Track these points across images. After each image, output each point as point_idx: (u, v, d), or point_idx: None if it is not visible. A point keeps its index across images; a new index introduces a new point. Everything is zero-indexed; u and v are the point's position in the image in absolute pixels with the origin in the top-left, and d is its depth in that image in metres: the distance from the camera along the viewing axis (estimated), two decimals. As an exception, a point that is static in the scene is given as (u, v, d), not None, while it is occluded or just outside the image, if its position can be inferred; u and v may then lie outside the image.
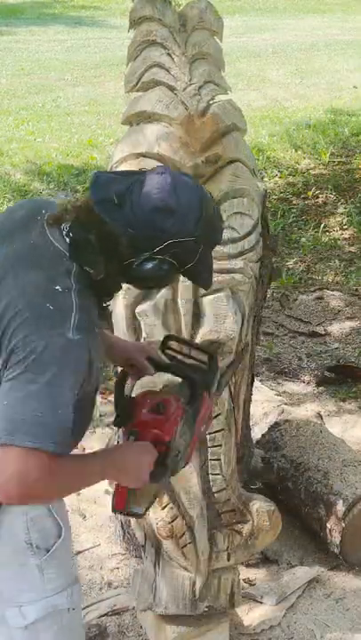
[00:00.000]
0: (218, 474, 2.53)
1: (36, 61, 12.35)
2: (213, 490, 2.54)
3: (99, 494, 3.40)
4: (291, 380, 4.40)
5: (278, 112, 9.22)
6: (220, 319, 2.43)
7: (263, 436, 3.40)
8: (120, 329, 2.49)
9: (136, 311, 2.41)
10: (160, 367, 2.14)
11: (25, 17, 16.96)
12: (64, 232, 1.81)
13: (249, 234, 2.46)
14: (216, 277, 2.42)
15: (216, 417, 2.47)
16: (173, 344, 2.18)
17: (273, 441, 3.37)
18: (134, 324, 2.44)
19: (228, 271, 2.44)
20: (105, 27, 15.68)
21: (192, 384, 2.04)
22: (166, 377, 2.28)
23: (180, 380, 2.12)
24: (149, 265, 1.80)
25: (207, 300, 2.43)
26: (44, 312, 1.70)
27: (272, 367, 4.51)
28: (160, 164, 2.34)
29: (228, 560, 2.60)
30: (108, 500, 3.19)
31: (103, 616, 2.84)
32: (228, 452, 2.54)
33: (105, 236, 1.78)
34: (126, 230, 1.77)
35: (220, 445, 2.51)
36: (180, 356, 2.16)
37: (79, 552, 3.14)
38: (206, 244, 1.86)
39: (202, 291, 2.42)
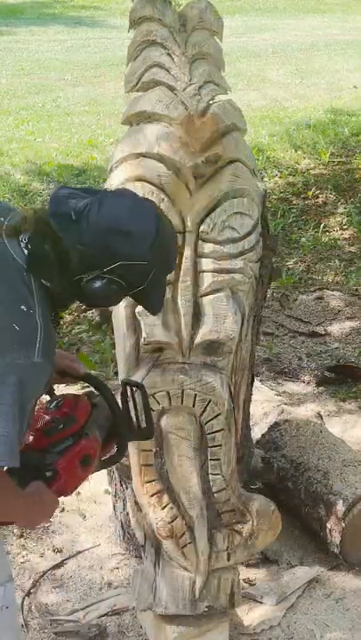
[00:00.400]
0: (218, 474, 2.53)
1: (36, 61, 12.35)
2: (213, 490, 2.54)
3: (99, 494, 3.41)
4: (291, 380, 4.40)
5: (278, 112, 9.22)
6: (220, 319, 2.43)
7: (263, 435, 3.40)
8: (120, 329, 2.49)
9: (136, 311, 2.41)
10: (79, 378, 2.18)
11: (25, 17, 16.95)
12: (22, 243, 1.82)
13: (249, 234, 2.46)
14: (216, 277, 2.43)
15: (216, 417, 2.48)
16: (136, 390, 2.20)
17: (273, 441, 3.37)
18: (134, 323, 2.44)
19: (228, 271, 2.44)
20: (105, 27, 15.67)
21: (118, 436, 2.10)
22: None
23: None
24: (98, 283, 1.82)
25: (207, 300, 2.43)
26: (11, 332, 1.73)
27: (272, 367, 4.51)
28: (161, 164, 2.35)
29: (228, 560, 2.60)
30: (108, 499, 3.22)
31: (103, 616, 2.84)
32: (228, 452, 2.54)
33: (59, 250, 1.81)
34: (79, 246, 1.80)
35: (220, 445, 2.51)
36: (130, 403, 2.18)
37: (79, 552, 3.15)
38: (158, 269, 1.88)
39: (202, 291, 2.43)
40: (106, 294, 1.85)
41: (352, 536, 3.01)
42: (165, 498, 2.53)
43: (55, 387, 2.15)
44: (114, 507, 3.11)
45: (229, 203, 2.43)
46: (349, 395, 4.26)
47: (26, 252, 1.82)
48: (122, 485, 2.94)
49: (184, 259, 2.41)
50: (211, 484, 2.54)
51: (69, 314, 4.98)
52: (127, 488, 2.76)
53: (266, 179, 6.95)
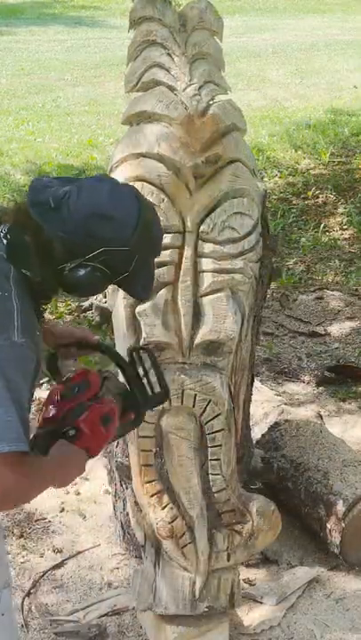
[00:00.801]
0: (218, 474, 2.53)
1: (36, 61, 12.34)
2: (213, 490, 2.54)
3: (99, 494, 3.41)
4: (291, 380, 4.40)
5: (278, 112, 9.22)
6: (220, 319, 2.43)
7: (263, 436, 3.40)
8: (120, 329, 2.49)
9: (136, 311, 2.41)
10: (95, 348, 2.16)
11: (25, 17, 16.95)
12: (2, 234, 1.82)
13: (249, 234, 2.46)
14: (216, 277, 2.43)
15: (216, 417, 2.48)
16: (143, 355, 2.18)
17: (273, 441, 3.37)
18: (134, 323, 2.44)
19: (228, 271, 2.44)
20: (105, 27, 15.67)
21: (134, 404, 2.07)
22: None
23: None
24: (82, 271, 1.80)
25: (207, 300, 2.43)
26: None
27: (272, 367, 4.51)
28: (161, 164, 2.35)
29: (228, 560, 2.60)
30: (108, 499, 3.22)
31: (103, 616, 2.84)
32: (228, 452, 2.54)
33: (40, 240, 1.79)
34: (60, 234, 1.78)
35: (220, 445, 2.51)
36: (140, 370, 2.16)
37: (79, 552, 3.14)
38: (142, 254, 1.85)
39: (202, 291, 2.43)
40: (90, 282, 1.82)
41: (352, 536, 3.01)
42: (165, 498, 2.53)
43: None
44: (114, 507, 3.11)
45: (229, 203, 2.43)
46: (349, 395, 4.26)
47: (5, 241, 1.81)
48: (122, 485, 2.94)
49: (184, 259, 2.41)
50: (211, 483, 2.54)
51: (69, 314, 4.98)
52: (127, 488, 2.75)
53: (266, 179, 6.95)
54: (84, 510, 3.36)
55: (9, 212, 1.84)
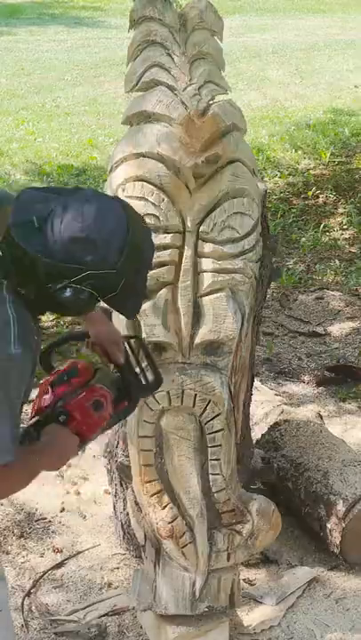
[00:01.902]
0: (218, 474, 2.53)
1: (36, 61, 12.33)
2: (213, 490, 2.54)
3: (99, 494, 3.41)
4: (291, 380, 4.40)
5: (278, 112, 9.22)
6: (220, 319, 2.43)
7: (263, 436, 3.40)
8: (120, 329, 2.49)
9: (136, 311, 2.41)
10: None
11: (25, 17, 16.92)
12: None
13: (249, 234, 2.46)
14: (216, 277, 2.43)
15: (216, 417, 2.48)
16: (135, 344, 2.23)
17: (273, 441, 3.37)
18: (134, 323, 2.44)
19: (229, 271, 2.44)
20: (105, 27, 15.64)
21: (127, 392, 2.09)
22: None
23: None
24: (67, 293, 1.75)
25: (207, 300, 2.43)
26: None
27: (272, 367, 4.51)
28: (161, 164, 2.35)
29: (228, 560, 2.60)
30: (108, 499, 3.22)
31: (103, 616, 2.84)
32: (228, 452, 2.54)
33: (26, 260, 1.75)
34: (44, 258, 1.73)
35: (220, 445, 2.51)
36: (132, 358, 2.20)
37: (79, 552, 3.14)
38: (130, 275, 1.81)
39: (202, 291, 2.43)
40: (76, 303, 1.78)
41: (352, 536, 3.01)
42: (165, 498, 2.53)
43: None
44: (114, 507, 3.11)
45: (229, 203, 2.43)
46: (349, 395, 4.26)
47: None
48: (122, 485, 2.94)
49: (184, 259, 2.41)
50: (211, 483, 2.54)
51: (69, 314, 4.98)
52: (127, 488, 2.75)
53: (266, 179, 6.95)
54: (84, 510, 3.36)
55: (2, 222, 1.79)
